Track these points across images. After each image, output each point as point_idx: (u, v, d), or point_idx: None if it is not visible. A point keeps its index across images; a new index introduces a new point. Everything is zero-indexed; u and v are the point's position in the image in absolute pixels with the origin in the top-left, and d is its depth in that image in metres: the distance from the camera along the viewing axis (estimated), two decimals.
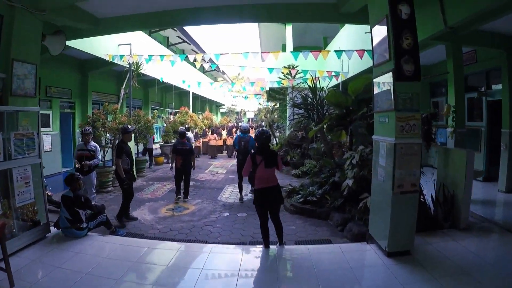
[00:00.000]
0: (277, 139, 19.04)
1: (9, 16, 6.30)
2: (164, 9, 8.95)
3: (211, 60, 13.22)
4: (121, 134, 8.79)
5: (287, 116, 18.40)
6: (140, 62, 14.54)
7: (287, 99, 18.32)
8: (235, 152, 19.58)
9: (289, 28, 20.35)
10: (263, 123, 24.84)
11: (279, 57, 16.75)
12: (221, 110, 59.99)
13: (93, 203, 7.27)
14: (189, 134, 16.79)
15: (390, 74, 5.29)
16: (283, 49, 21.30)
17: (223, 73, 42.76)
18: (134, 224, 8.01)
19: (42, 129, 12.92)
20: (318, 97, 9.74)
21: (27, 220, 6.24)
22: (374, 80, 5.89)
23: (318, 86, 10.26)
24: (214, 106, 49.53)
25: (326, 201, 8.17)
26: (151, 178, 14.01)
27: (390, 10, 5.31)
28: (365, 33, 10.33)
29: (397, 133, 5.19)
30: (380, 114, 5.71)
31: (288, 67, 17.33)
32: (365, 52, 9.20)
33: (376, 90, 5.87)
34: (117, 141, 12.25)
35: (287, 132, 19.21)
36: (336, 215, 7.62)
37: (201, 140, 23.15)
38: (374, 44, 5.92)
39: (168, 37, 26.41)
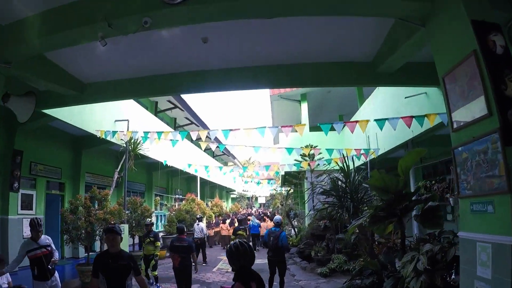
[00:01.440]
0: (295, 230, 16.66)
1: None
2: (163, 73, 7.43)
3: (217, 139, 11.52)
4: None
5: (305, 201, 16.29)
6: (137, 141, 12.87)
7: (305, 183, 16.34)
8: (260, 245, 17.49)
9: (304, 106, 18.91)
10: (279, 211, 22.60)
11: (294, 138, 15.08)
12: (232, 196, 57.88)
13: None
14: (202, 225, 14.87)
15: (493, 136, 3.37)
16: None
17: (233, 157, 41.31)
18: None
19: (22, 212, 11.33)
20: (351, 180, 7.80)
21: None
22: (457, 150, 3.96)
23: (351, 167, 8.36)
24: (224, 191, 47.50)
25: None
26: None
27: (480, 43, 3.55)
28: (406, 97, 8.69)
29: None
30: (474, 199, 3.70)
31: (307, 147, 15.60)
32: (413, 119, 7.38)
33: (460, 165, 3.93)
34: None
35: (306, 221, 16.97)
36: None
37: (213, 229, 21.10)
38: (450, 99, 4.08)
39: (175, 118, 25.24)
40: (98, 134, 11.55)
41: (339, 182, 8.01)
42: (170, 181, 24.98)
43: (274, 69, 7.07)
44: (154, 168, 20.42)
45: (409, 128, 7.41)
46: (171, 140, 11.03)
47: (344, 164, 7.92)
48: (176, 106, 22.48)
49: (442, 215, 6.06)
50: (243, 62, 6.91)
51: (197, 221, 15.19)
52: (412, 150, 5.84)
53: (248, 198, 61.94)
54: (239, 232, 13.51)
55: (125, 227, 11.62)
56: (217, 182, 32.08)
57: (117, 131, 11.46)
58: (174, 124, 24.87)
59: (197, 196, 22.48)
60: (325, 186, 8.39)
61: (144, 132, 10.74)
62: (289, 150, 11.93)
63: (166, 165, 17.37)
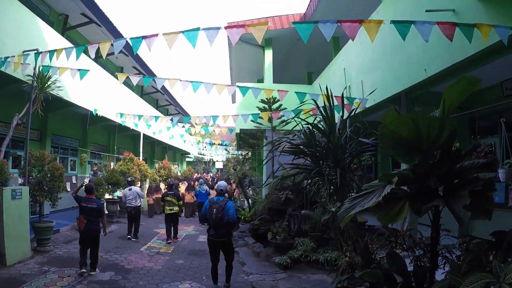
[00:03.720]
0: (249, 201, 13.65)
1: None
2: None
3: (131, 57, 8.32)
4: None
5: (263, 163, 13.38)
6: (46, 75, 9.66)
7: (265, 144, 13.41)
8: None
9: (268, 54, 15.79)
10: (230, 177, 19.34)
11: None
12: (187, 160, 54.43)
13: None
14: (135, 188, 12.03)
15: None
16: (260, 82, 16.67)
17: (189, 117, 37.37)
18: None
19: None
20: (338, 132, 4.92)
21: None
22: None
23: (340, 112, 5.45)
24: (179, 154, 43.85)
25: None
26: (51, 259, 8.68)
27: None
28: (427, 11, 5.87)
29: None
30: None
31: (268, 100, 12.64)
32: (457, 27, 4.42)
33: None
34: None
35: (263, 191, 14.06)
36: None
37: (154, 196, 17.78)
38: None
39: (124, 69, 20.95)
40: None
41: (317, 135, 5.06)
42: (111, 139, 21.42)
43: None
44: (90, 122, 16.89)
45: (451, 41, 4.47)
46: (79, 70, 7.83)
47: (328, 106, 4.97)
48: (91, 21, 16.17)
49: (493, 197, 3.30)
50: None
51: (128, 185, 12.26)
52: (461, 77, 2.97)
53: (205, 162, 58.76)
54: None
55: (22, 190, 8.61)
56: (169, 142, 28.74)
57: (8, 57, 8.21)
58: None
59: (139, 156, 19.06)
60: (293, 139, 5.33)
61: (35, 53, 7.52)
62: (243, 89, 8.72)
63: (97, 115, 14.05)
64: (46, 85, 9.81)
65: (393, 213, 3.43)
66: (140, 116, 12.49)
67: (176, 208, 11.52)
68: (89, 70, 8.06)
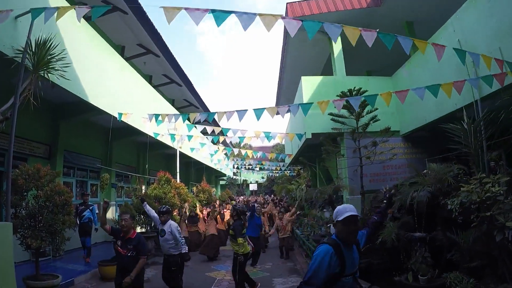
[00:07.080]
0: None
1: None
2: None
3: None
4: None
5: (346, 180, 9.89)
6: (46, 44, 6.39)
7: (344, 151, 10.01)
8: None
9: (336, 45, 12.40)
10: (301, 198, 14.71)
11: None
12: (221, 182, 50.74)
13: None
14: (171, 223, 6.92)
15: None
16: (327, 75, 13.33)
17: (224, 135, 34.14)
18: None
19: None
20: None
21: None
22: None
23: None
24: (214, 176, 40.24)
25: None
26: None
27: None
28: None
29: None
30: None
31: (350, 93, 9.31)
32: None
33: None
34: None
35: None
36: None
37: (190, 227, 13.24)
38: None
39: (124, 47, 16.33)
40: None
41: None
42: (141, 158, 18.32)
43: None
44: (115, 136, 13.75)
45: None
46: (92, 7, 4.86)
47: None
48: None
49: None
50: None
51: (161, 215, 7.02)
52: None
53: (238, 184, 55.36)
54: None
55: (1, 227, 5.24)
56: (206, 162, 25.47)
57: None
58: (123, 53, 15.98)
59: (175, 178, 15.56)
60: None
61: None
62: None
63: (122, 126, 11.10)
64: (46, 59, 6.37)
65: None
66: (185, 115, 9.03)
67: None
68: (110, 7, 5.07)
